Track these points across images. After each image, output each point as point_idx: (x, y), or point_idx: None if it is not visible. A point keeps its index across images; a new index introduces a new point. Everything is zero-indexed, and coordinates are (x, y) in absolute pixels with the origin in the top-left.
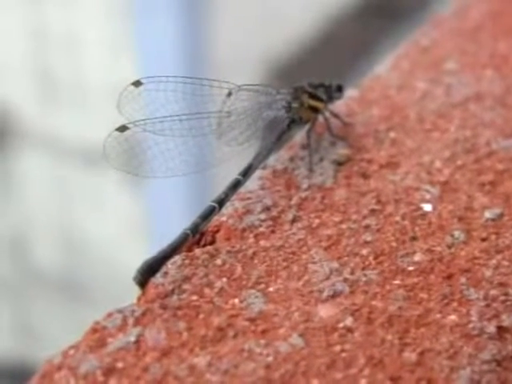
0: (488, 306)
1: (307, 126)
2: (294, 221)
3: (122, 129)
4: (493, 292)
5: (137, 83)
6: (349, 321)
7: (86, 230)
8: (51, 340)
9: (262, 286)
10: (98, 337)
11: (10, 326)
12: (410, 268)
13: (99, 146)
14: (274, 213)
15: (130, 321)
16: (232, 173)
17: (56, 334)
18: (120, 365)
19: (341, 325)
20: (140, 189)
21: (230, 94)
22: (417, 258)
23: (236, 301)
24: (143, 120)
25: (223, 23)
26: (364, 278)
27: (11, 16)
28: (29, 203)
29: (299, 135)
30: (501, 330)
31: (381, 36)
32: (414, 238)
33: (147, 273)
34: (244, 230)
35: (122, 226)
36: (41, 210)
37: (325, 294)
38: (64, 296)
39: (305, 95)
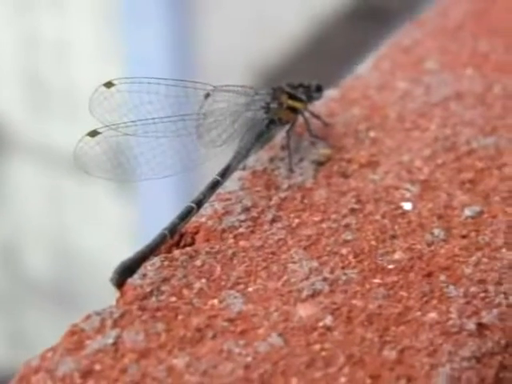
0: (468, 303)
1: (287, 127)
2: (273, 221)
3: (93, 133)
4: (473, 289)
5: (108, 84)
6: (328, 320)
7: (77, 239)
8: (43, 349)
9: (242, 286)
10: (75, 339)
11: (1, 334)
12: (390, 266)
13: None
14: (254, 213)
15: (109, 323)
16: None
17: (48, 342)
18: (98, 367)
19: (320, 324)
20: (131, 196)
21: (207, 96)
22: (396, 256)
23: (215, 301)
24: (115, 124)
25: (212, 28)
26: (344, 277)
27: (1, 24)
28: (20, 212)
29: (280, 136)
30: (480, 326)
31: (371, 39)
32: (393, 237)
33: (124, 273)
34: (224, 230)
35: (113, 234)
36: (32, 218)
37: (304, 294)
38: (56, 304)
39: (284, 96)
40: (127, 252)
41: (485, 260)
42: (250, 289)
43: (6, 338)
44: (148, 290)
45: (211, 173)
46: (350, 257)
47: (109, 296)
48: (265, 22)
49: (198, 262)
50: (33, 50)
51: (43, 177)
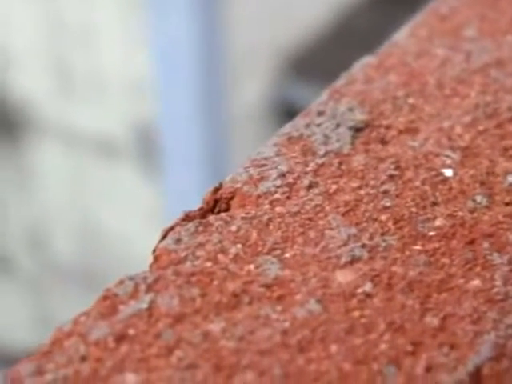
0: None
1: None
2: (310, 187)
3: None
4: None
5: None
6: (368, 286)
7: (103, 221)
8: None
9: (278, 251)
10: (109, 304)
11: (29, 317)
12: (431, 233)
13: (115, 138)
14: (290, 179)
15: (142, 287)
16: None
17: None
18: (132, 331)
19: (359, 290)
20: (156, 179)
21: None
22: (438, 223)
23: (251, 267)
24: None
25: (239, 15)
26: (383, 244)
27: (28, 8)
28: (46, 195)
29: (315, 102)
30: None
31: (398, 24)
32: (434, 203)
33: None
34: (259, 196)
35: (139, 216)
36: (58, 201)
37: (343, 260)
38: (83, 287)
39: None
40: (154, 233)
41: None
42: (287, 254)
43: (34, 320)
44: (183, 254)
45: (237, 157)
46: (390, 223)
47: None
48: (293, 8)
49: (234, 228)
50: (59, 34)
51: (69, 160)
